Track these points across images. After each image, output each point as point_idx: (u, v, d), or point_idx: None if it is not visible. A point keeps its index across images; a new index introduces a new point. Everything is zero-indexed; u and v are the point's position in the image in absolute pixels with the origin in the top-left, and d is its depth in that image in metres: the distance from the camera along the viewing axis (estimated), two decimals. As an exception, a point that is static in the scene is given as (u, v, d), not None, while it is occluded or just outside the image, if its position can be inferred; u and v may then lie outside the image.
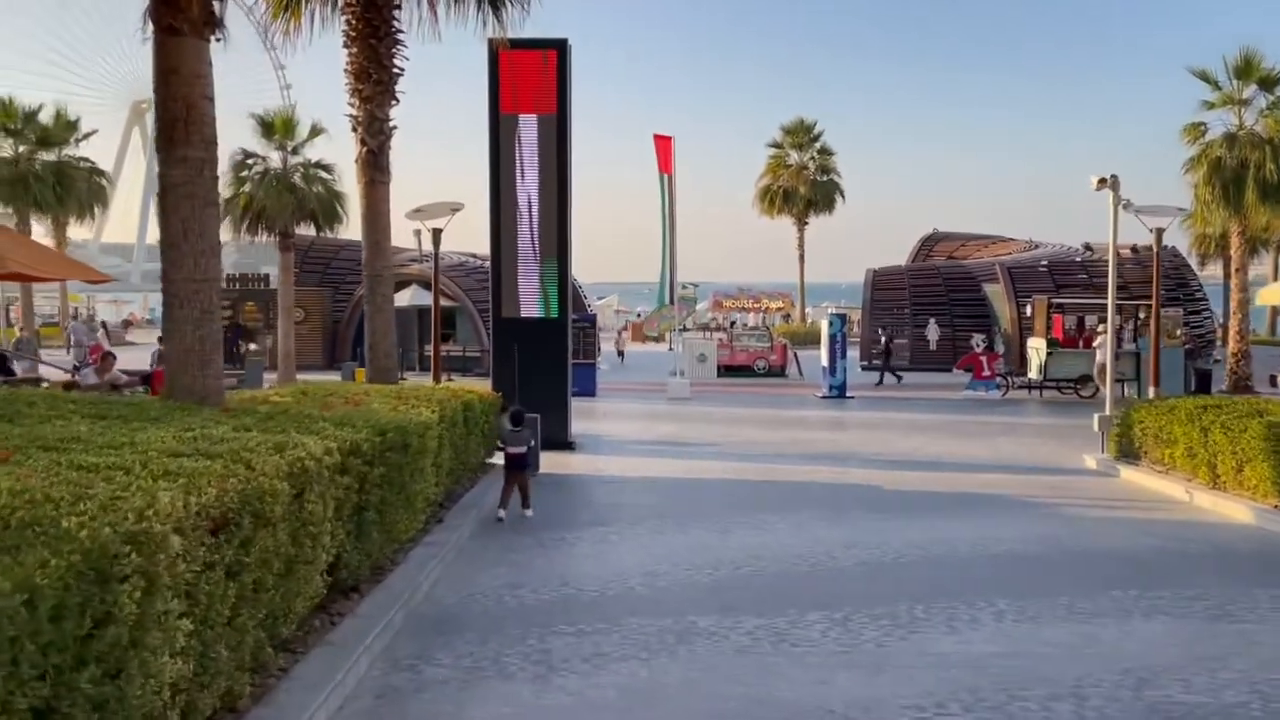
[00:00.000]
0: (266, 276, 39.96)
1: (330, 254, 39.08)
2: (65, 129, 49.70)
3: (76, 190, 46.42)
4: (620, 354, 36.87)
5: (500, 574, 8.70)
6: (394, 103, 13.15)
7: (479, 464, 13.13)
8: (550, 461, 15.56)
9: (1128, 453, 15.50)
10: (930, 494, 13.23)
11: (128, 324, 68.17)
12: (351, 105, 13.01)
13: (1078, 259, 37.11)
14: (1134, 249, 37.22)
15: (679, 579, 8.58)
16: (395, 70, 13.09)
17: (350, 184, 17.49)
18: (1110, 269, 17.48)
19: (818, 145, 50.37)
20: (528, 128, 17.49)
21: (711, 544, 9.97)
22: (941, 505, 12.32)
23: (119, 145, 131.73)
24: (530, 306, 17.72)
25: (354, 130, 12.98)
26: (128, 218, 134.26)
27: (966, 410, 23.92)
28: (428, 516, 9.59)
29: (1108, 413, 16.87)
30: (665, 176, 26.51)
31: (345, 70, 13.03)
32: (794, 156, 50.41)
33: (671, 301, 28.45)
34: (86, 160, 50.96)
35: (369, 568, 7.05)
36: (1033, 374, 27.40)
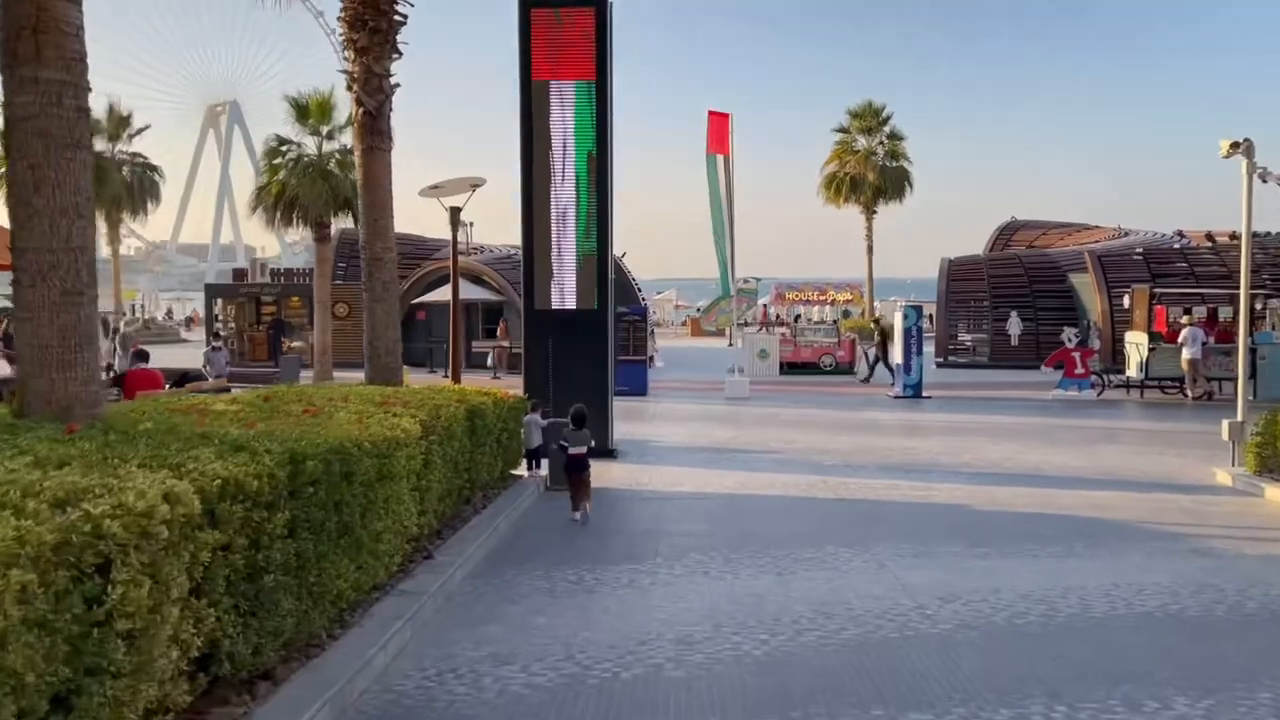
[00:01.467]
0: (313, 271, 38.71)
1: (376, 247, 37.41)
2: (118, 125, 49.42)
3: (112, 185, 45.93)
4: (649, 358, 32.02)
5: (489, 636, 6.66)
6: (396, 56, 11.24)
7: (494, 479, 11.13)
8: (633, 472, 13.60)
9: (1273, 467, 12.97)
10: (1036, 518, 10.91)
11: (190, 321, 68.00)
12: (346, 59, 11.13)
13: (1175, 245, 34.01)
14: (1209, 236, 34.03)
15: (722, 649, 6.45)
16: (397, 17, 11.18)
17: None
18: (1244, 249, 14.86)
19: (887, 129, 47.58)
20: (563, 95, 15.47)
21: (767, 592, 7.83)
22: (1054, 535, 10.00)
23: (195, 148, 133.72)
24: (566, 297, 15.72)
25: (349, 89, 11.09)
26: (205, 219, 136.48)
27: (1059, 413, 21.35)
28: (406, 555, 7.61)
29: (1240, 418, 14.32)
30: (721, 158, 24.32)
31: (339, 19, 11.15)
32: (861, 141, 47.68)
33: (731, 293, 26.27)
34: (140, 156, 50.63)
35: (279, 649, 5.06)
36: (1131, 372, 24.64)
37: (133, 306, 61.24)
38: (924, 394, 24.06)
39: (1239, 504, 11.95)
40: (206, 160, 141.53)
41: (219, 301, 34.80)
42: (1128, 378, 24.75)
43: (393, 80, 11.16)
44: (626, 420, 19.05)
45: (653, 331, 35.85)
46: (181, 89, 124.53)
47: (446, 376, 29.97)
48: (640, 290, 34.79)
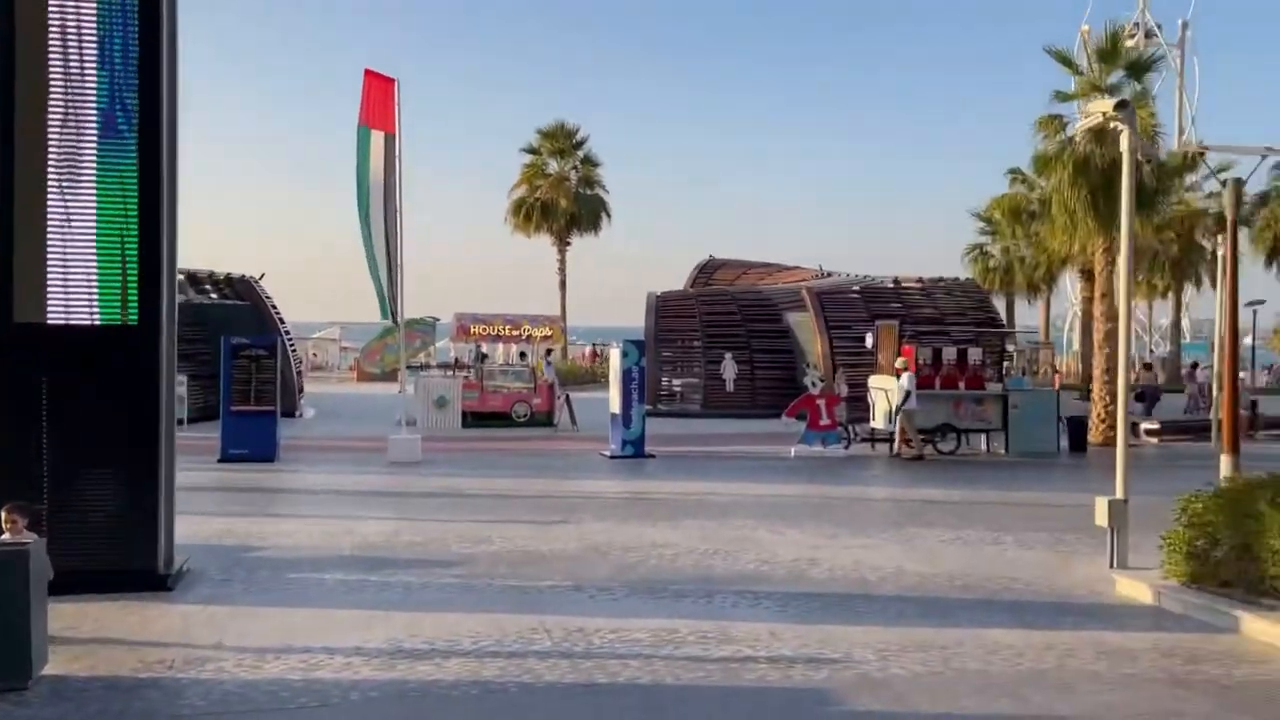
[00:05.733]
0: None
1: None
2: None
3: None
4: (293, 409, 24.56)
5: None
6: None
7: None
8: (103, 623, 6.75)
9: (1202, 576, 8.65)
10: (951, 708, 5.55)
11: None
12: None
13: (888, 285, 31.74)
14: (896, 281, 32.09)
15: None
16: None
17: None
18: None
19: (581, 153, 42.90)
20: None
21: None
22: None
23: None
24: (78, 303, 8.72)
25: None
26: None
27: (821, 477, 16.77)
28: None
29: (1120, 494, 10.04)
30: (381, 135, 17.88)
31: None
32: (553, 165, 42.72)
33: (396, 322, 19.73)
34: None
35: None
36: (877, 422, 20.88)
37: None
38: (646, 452, 18.91)
39: (1238, 651, 7.30)
40: None
41: None
42: (873, 429, 20.97)
43: None
44: (235, 502, 12.13)
45: (299, 374, 28.27)
46: None
47: None
48: (282, 320, 27.18)
